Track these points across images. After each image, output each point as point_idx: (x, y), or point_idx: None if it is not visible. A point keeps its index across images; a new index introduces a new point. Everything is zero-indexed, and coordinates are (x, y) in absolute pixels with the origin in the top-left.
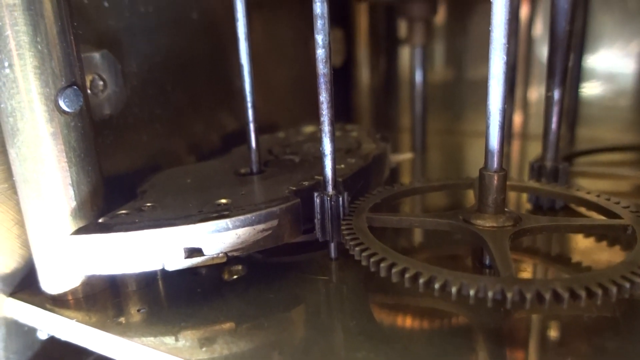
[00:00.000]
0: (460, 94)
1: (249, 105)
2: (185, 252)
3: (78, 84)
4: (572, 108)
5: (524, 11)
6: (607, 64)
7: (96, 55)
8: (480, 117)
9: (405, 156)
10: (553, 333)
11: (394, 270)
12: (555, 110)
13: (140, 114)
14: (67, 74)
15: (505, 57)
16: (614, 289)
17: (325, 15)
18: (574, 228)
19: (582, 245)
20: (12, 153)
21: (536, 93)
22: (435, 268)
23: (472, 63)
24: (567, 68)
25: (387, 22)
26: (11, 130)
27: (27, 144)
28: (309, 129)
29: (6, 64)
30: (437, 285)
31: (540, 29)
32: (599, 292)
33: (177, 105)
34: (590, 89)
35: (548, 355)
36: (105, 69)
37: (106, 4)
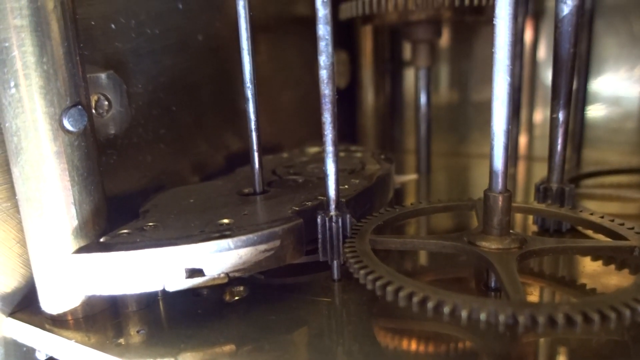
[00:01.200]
0: (465, 116)
1: (253, 126)
2: (186, 272)
3: (83, 104)
4: (578, 130)
5: (529, 35)
6: (613, 86)
7: (102, 76)
8: (485, 139)
9: (410, 177)
10: (562, 358)
11: (401, 294)
12: (560, 132)
13: (144, 134)
14: (72, 94)
15: (509, 79)
16: (628, 312)
17: (328, 36)
18: (581, 250)
19: (589, 268)
20: (16, 172)
21: (541, 115)
22: (443, 292)
23: (477, 85)
24: (571, 90)
25: (392, 45)
26: (15, 149)
27: (31, 163)
28: (313, 149)
29: (12, 83)
30: (446, 310)
31: (544, 52)
32: (612, 315)
33: (181, 126)
34: (596, 112)
35: None
36: (110, 89)
37: (113, 26)
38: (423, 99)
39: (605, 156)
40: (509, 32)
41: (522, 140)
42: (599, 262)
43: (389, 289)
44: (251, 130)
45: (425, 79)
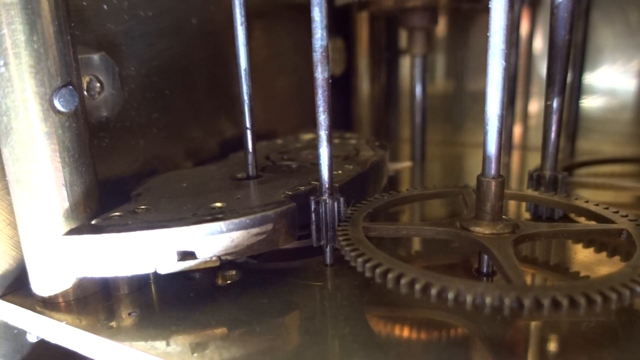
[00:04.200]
0: (461, 105)
1: (247, 109)
2: (178, 255)
3: (74, 84)
4: (573, 120)
5: (525, 25)
6: (608, 77)
7: (94, 57)
8: (480, 128)
9: (404, 165)
10: (553, 342)
11: (402, 281)
12: (554, 119)
13: (137, 117)
14: (63, 74)
15: (504, 63)
16: (628, 294)
17: (322, 20)
18: (572, 234)
19: (581, 255)
20: (5, 152)
21: (536, 106)
22: (446, 277)
23: (473, 75)
24: (566, 77)
25: (388, 33)
26: (5, 129)
27: (21, 144)
28: (307, 136)
29: (1, 62)
30: (450, 296)
31: (540, 44)
32: (614, 296)
33: (175, 111)
34: (590, 102)
35: None
36: (102, 71)
37: (105, 7)
38: (418, 87)
39: (599, 147)
40: (504, 15)
41: (517, 130)
42: (590, 250)
43: (390, 276)
44: (244, 113)
45: (421, 67)
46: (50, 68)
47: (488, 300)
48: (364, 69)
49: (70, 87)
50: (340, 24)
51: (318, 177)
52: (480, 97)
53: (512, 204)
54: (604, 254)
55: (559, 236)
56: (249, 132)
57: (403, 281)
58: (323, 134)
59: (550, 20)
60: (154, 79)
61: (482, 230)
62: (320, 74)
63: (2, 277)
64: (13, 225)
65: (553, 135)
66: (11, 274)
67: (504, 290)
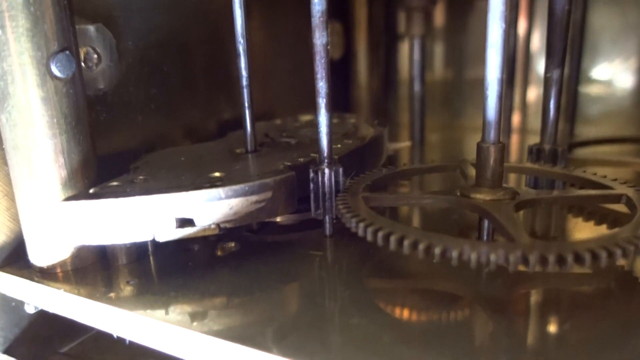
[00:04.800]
0: (460, 90)
1: (245, 82)
2: (176, 222)
3: (71, 50)
4: (572, 102)
5: (522, 25)
6: (607, 61)
7: (91, 28)
8: (478, 112)
9: (403, 144)
10: (554, 308)
11: (406, 242)
12: (553, 91)
13: (135, 92)
14: (60, 39)
15: (504, 25)
16: (632, 249)
17: None
18: (571, 200)
19: (581, 227)
20: (2, 118)
21: (534, 94)
22: (449, 238)
23: (472, 60)
24: (565, 48)
25: (386, 16)
26: (1, 95)
27: (18, 109)
28: (306, 117)
29: None
30: (454, 254)
31: (537, 43)
32: (618, 251)
33: (173, 88)
34: (589, 86)
35: (551, 326)
36: (99, 43)
37: None
38: (417, 68)
39: (597, 131)
40: None
41: (516, 118)
42: (590, 223)
43: (393, 238)
44: (243, 87)
45: (420, 49)
46: (47, 32)
47: (493, 257)
48: (362, 53)
49: (67, 52)
50: (338, 7)
51: (317, 150)
52: (479, 83)
53: (511, 177)
54: (604, 226)
55: (559, 202)
56: (247, 107)
57: (406, 242)
58: (322, 101)
59: None
60: (152, 54)
61: (482, 196)
62: (318, 39)
63: None
64: (10, 196)
65: (552, 107)
66: (8, 246)
67: (509, 248)
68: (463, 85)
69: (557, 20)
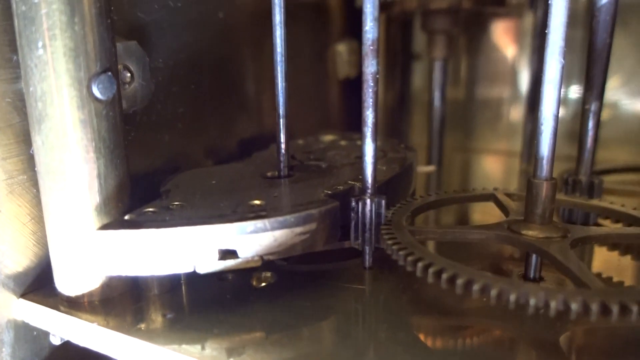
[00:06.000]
0: (472, 112)
1: (281, 99)
2: (219, 253)
3: (112, 70)
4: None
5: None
6: (626, 85)
7: (126, 45)
8: (493, 135)
9: (428, 169)
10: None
11: (475, 287)
12: (591, 124)
13: (163, 112)
14: (102, 59)
15: (562, 61)
16: None
17: (373, 11)
18: (628, 237)
19: (627, 264)
20: (38, 140)
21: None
22: (530, 286)
23: (485, 81)
24: (605, 81)
25: (403, 37)
26: (39, 116)
27: (55, 131)
28: (328, 137)
29: (40, 44)
30: (532, 301)
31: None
32: None
33: (199, 106)
34: (607, 111)
35: None
36: (133, 61)
37: None
38: (437, 92)
39: (614, 156)
40: (564, 12)
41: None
42: (628, 257)
43: (459, 282)
44: (279, 100)
45: (441, 72)
46: (90, 52)
47: (574, 306)
48: (379, 72)
49: (109, 73)
50: (356, 25)
51: (353, 178)
52: (491, 104)
53: None
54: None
55: (614, 239)
56: (282, 128)
57: (475, 287)
58: (367, 130)
59: (591, 23)
60: (181, 72)
61: (534, 233)
62: (368, 68)
63: (23, 274)
64: (37, 219)
65: (590, 139)
66: (32, 271)
67: (587, 295)
68: (475, 105)
69: (598, 54)
